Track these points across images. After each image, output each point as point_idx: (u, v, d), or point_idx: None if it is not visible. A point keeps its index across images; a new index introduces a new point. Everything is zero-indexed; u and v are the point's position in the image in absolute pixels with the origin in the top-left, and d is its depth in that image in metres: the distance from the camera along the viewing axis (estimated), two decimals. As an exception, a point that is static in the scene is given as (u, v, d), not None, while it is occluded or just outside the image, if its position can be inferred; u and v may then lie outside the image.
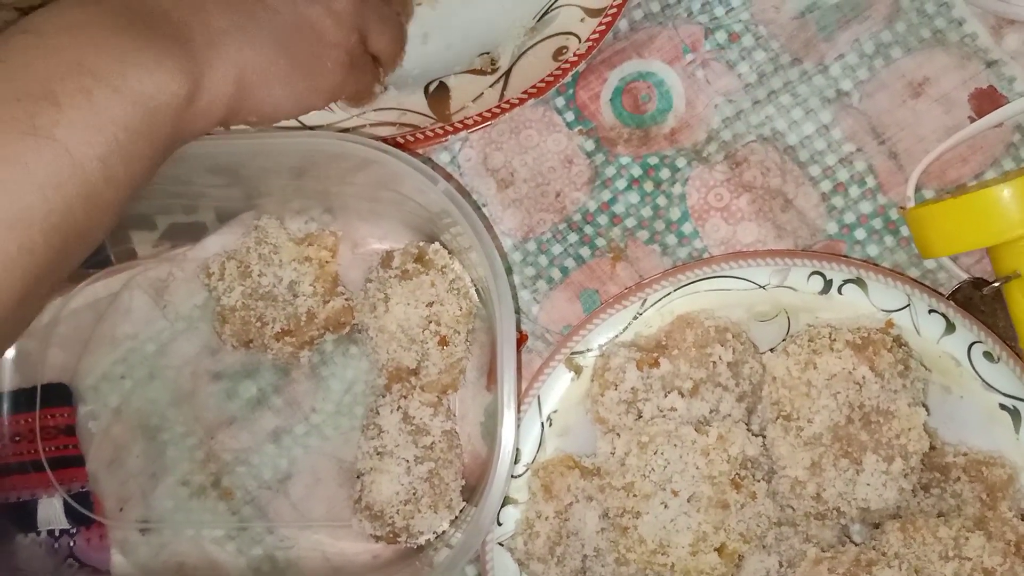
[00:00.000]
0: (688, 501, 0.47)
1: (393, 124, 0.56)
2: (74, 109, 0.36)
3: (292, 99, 0.46)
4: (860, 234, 0.55)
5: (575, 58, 0.55)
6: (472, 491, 0.52)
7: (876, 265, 0.53)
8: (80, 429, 0.56)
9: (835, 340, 0.48)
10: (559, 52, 0.56)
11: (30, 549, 0.55)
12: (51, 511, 0.55)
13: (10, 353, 0.56)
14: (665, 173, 0.56)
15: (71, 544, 0.55)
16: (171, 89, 0.39)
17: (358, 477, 0.52)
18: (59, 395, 0.56)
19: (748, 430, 0.49)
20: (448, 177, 0.57)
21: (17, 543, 0.55)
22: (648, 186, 0.56)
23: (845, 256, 0.54)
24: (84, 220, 0.37)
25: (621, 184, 0.56)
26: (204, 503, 0.55)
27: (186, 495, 0.55)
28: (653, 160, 0.56)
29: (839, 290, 0.52)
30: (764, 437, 0.49)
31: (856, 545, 0.49)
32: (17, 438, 0.56)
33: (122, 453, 0.56)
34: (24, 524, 0.55)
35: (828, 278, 0.52)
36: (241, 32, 0.42)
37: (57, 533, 0.55)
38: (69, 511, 0.55)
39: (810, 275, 0.52)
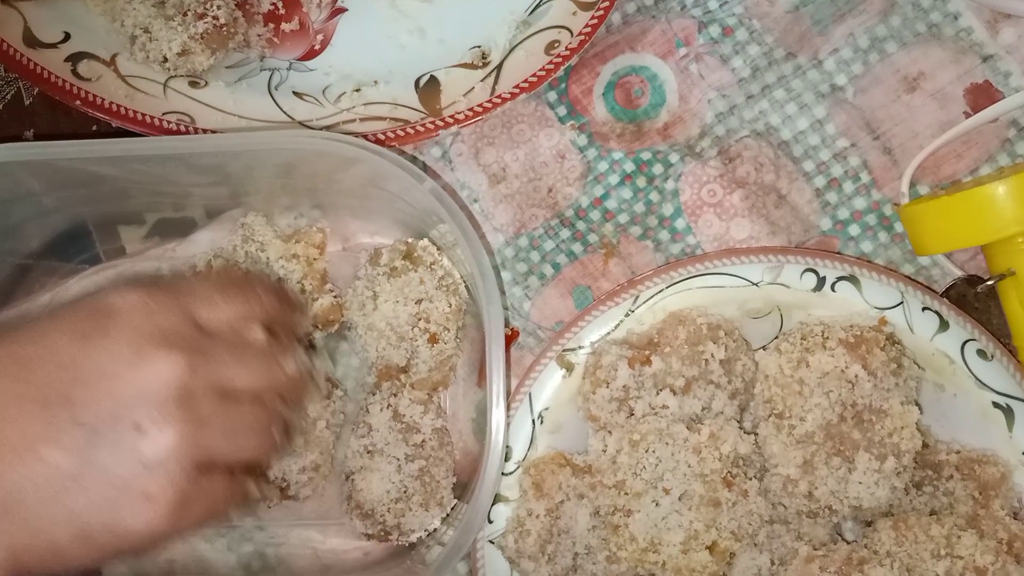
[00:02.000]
0: (680, 499, 0.46)
1: (383, 119, 0.56)
2: None
3: (92, 558, 0.38)
4: (854, 230, 0.55)
5: (567, 52, 0.54)
6: (464, 488, 0.52)
7: (870, 262, 0.53)
8: (70, 426, 0.56)
9: (828, 338, 0.48)
10: (551, 46, 0.55)
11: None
12: (40, 509, 0.55)
13: None
14: (658, 168, 0.56)
15: (60, 542, 0.55)
16: None
17: (348, 476, 0.52)
18: (48, 392, 0.55)
19: (740, 428, 0.49)
20: (435, 175, 0.56)
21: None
22: (641, 181, 0.56)
23: (839, 253, 0.54)
24: None
25: (614, 179, 0.56)
26: (194, 500, 0.55)
27: (176, 492, 0.55)
28: (646, 155, 0.56)
29: (832, 287, 0.51)
30: (756, 435, 0.49)
31: (848, 543, 0.49)
32: (6, 435, 0.55)
33: (112, 450, 0.55)
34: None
35: (821, 275, 0.51)
36: (6, 509, 0.36)
37: (46, 531, 0.55)
38: (58, 509, 0.55)
39: (803, 272, 0.51)
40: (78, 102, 0.54)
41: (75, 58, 0.55)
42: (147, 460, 0.38)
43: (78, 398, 0.38)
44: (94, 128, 0.57)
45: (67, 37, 0.55)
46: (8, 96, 0.59)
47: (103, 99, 0.55)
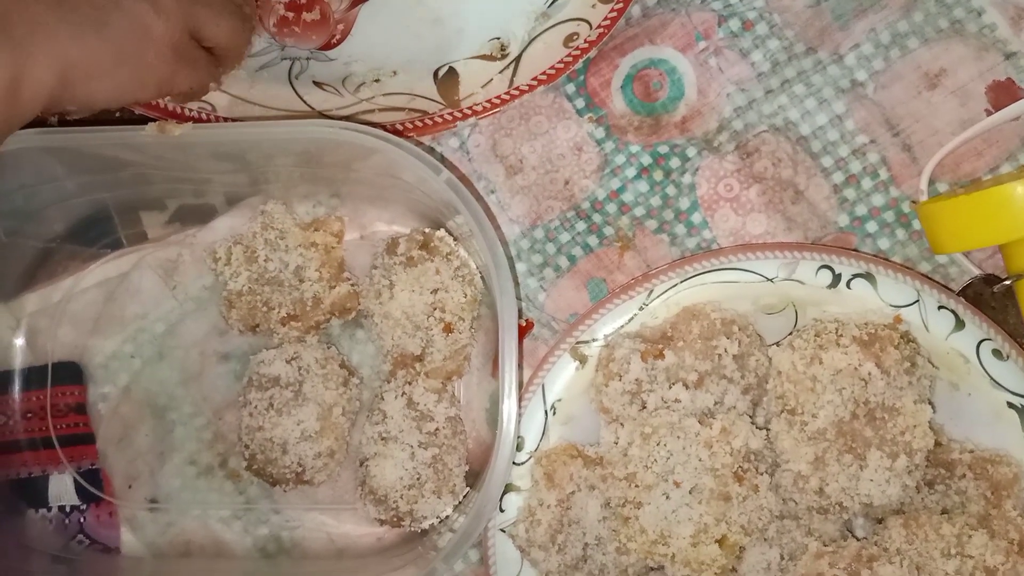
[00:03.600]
0: (690, 492, 0.47)
1: (402, 109, 0.56)
2: None
3: (114, 92, 0.46)
4: (871, 227, 0.54)
5: (586, 44, 0.54)
6: (476, 477, 0.53)
7: (886, 260, 0.53)
8: (90, 407, 0.57)
9: (842, 335, 0.48)
10: (570, 38, 0.55)
11: (40, 524, 0.56)
12: (61, 487, 0.56)
13: (21, 331, 0.57)
14: (675, 162, 0.56)
15: (81, 520, 0.56)
16: None
17: (362, 462, 0.53)
18: (70, 373, 0.57)
19: (752, 423, 0.49)
20: (452, 166, 0.56)
21: (28, 518, 0.56)
22: (658, 175, 0.56)
23: (855, 250, 0.54)
24: None
25: (630, 172, 0.56)
26: (211, 483, 0.56)
27: (193, 474, 0.56)
28: (663, 149, 0.56)
29: (848, 284, 0.51)
30: (768, 431, 0.49)
31: (858, 540, 0.49)
32: (28, 415, 0.57)
33: (131, 432, 0.56)
34: (35, 500, 0.56)
35: (837, 272, 0.51)
36: (63, 24, 0.43)
37: (67, 509, 0.56)
38: (79, 488, 0.56)
39: (819, 268, 0.51)
40: (102, 89, 0.55)
41: (99, 45, 0.56)
42: (159, 5, 0.46)
43: None
44: (117, 115, 0.57)
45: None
46: (33, 82, 0.59)
47: (126, 86, 0.55)
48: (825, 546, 0.47)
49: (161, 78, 0.48)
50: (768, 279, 0.52)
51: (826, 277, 0.51)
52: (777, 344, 0.51)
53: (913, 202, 0.54)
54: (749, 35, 0.56)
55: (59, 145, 0.50)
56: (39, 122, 0.58)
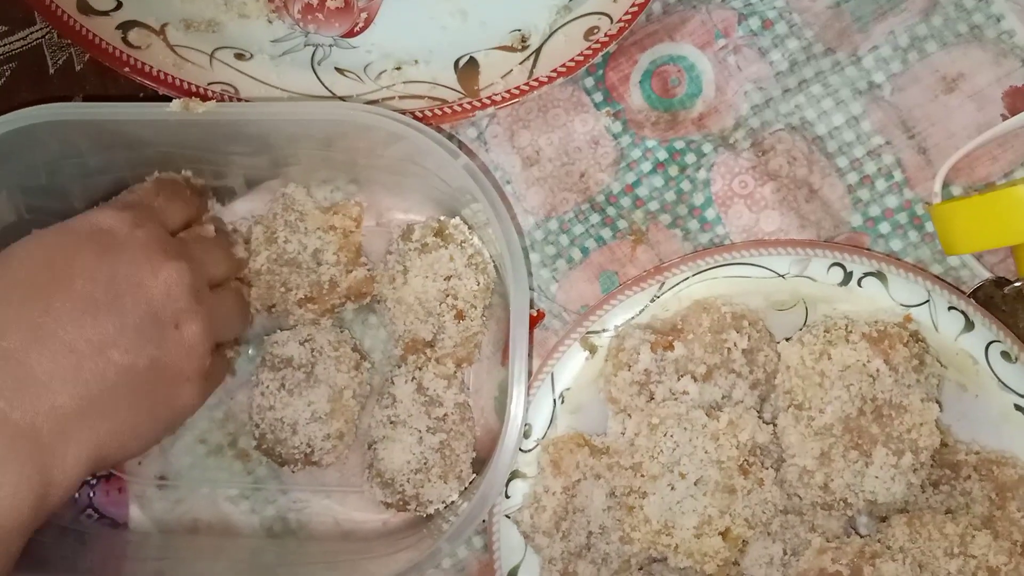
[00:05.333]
0: (695, 484, 0.47)
1: (421, 97, 0.57)
2: None
3: (147, 444, 0.46)
4: (884, 228, 0.55)
5: (606, 39, 0.55)
6: (483, 464, 0.53)
7: (898, 259, 0.53)
8: (104, 384, 0.57)
9: (851, 332, 0.48)
10: (590, 32, 0.56)
11: (51, 497, 0.56)
12: (72, 462, 0.57)
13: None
14: (691, 158, 0.56)
15: (91, 495, 0.56)
16: (18, 495, 0.38)
17: (370, 445, 0.53)
18: (85, 350, 0.57)
19: (759, 417, 0.49)
20: (471, 153, 0.57)
21: (39, 491, 0.56)
22: (673, 170, 0.56)
23: (867, 249, 0.54)
24: None
25: (646, 167, 0.57)
26: (220, 462, 0.56)
27: (203, 453, 0.57)
28: (679, 144, 0.56)
29: (859, 283, 0.51)
30: (775, 425, 0.49)
31: (861, 537, 0.49)
32: (43, 390, 0.57)
33: (143, 409, 0.57)
34: (46, 473, 0.57)
35: (848, 270, 0.51)
36: (91, 407, 0.41)
37: (78, 484, 0.57)
38: (90, 463, 0.57)
39: (830, 266, 0.52)
40: (127, 69, 0.56)
41: (126, 26, 0.57)
42: (188, 350, 0.45)
43: (121, 306, 0.43)
44: (141, 96, 0.58)
45: (119, 5, 0.57)
46: (60, 61, 0.60)
47: (151, 67, 0.56)
48: (828, 542, 0.47)
49: (190, 409, 0.48)
50: (780, 275, 0.52)
51: (837, 275, 0.52)
52: (787, 340, 0.51)
53: (927, 204, 0.54)
54: (768, 34, 0.56)
55: (83, 119, 0.51)
56: (65, 97, 0.59)
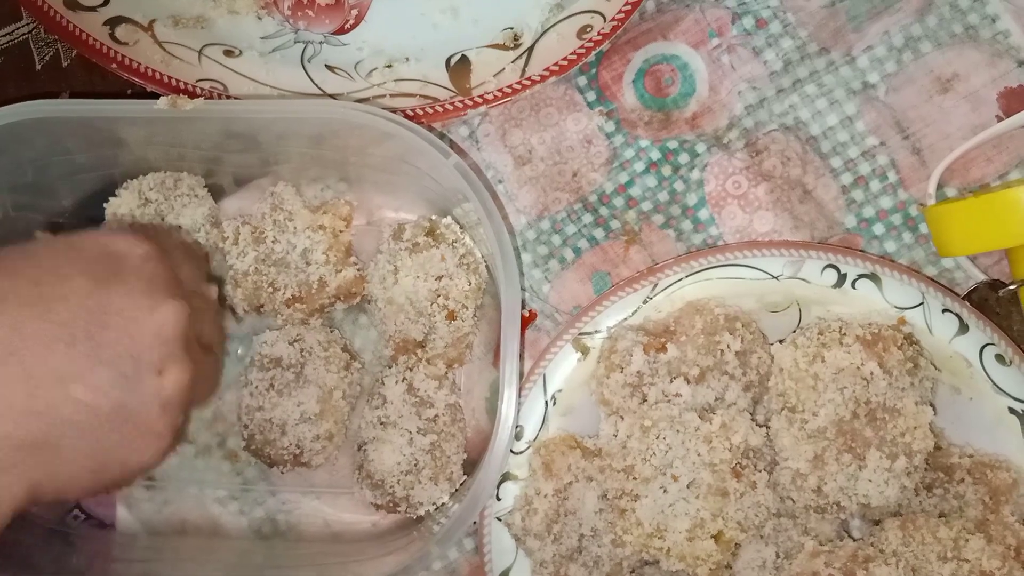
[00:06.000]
0: (688, 487, 0.47)
1: (413, 96, 0.56)
2: None
3: (87, 493, 0.44)
4: (878, 229, 0.54)
5: (599, 37, 0.54)
6: (474, 466, 0.53)
7: (892, 261, 0.53)
8: (91, 384, 0.57)
9: (845, 334, 0.48)
10: (583, 30, 0.55)
11: (37, 498, 0.56)
12: (59, 463, 0.56)
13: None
14: (684, 158, 0.56)
15: (77, 496, 0.56)
16: None
17: (360, 446, 0.53)
18: (72, 349, 0.57)
19: (752, 420, 0.49)
20: (463, 152, 0.57)
21: (25, 492, 0.56)
22: (666, 170, 0.56)
23: (861, 251, 0.54)
24: None
25: (639, 167, 0.56)
26: (209, 462, 0.56)
27: (191, 454, 0.56)
28: (673, 144, 0.56)
29: (853, 284, 0.51)
30: (768, 428, 0.49)
31: (854, 540, 0.49)
32: (30, 389, 0.56)
33: (131, 409, 0.56)
34: (33, 474, 0.56)
35: (842, 272, 0.51)
36: (36, 441, 0.38)
37: (64, 484, 0.56)
38: (77, 463, 0.56)
39: (824, 268, 0.51)
40: (114, 65, 0.55)
41: (114, 22, 0.56)
42: (164, 401, 0.41)
43: (102, 339, 0.39)
44: (129, 92, 0.57)
45: (106, 1, 0.56)
46: (47, 57, 0.59)
47: (139, 63, 0.55)
48: (821, 546, 0.47)
49: (150, 463, 0.42)
50: (773, 277, 0.52)
51: (831, 276, 0.51)
52: (780, 342, 0.51)
53: (921, 205, 0.54)
54: (763, 33, 0.56)
55: (71, 116, 0.50)
56: (52, 93, 0.59)
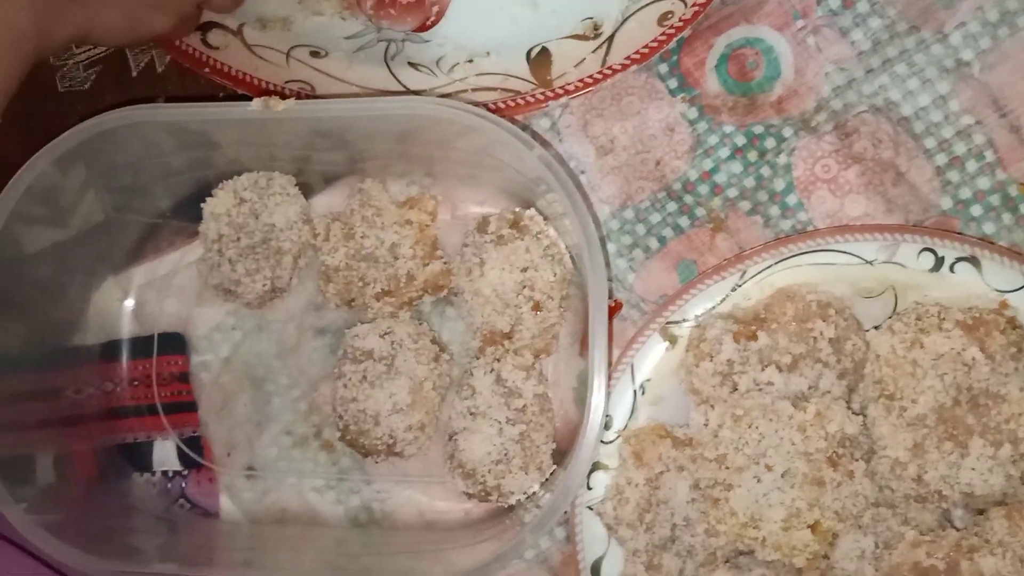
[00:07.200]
0: (782, 476, 0.46)
1: (494, 89, 0.57)
2: None
3: (128, 40, 0.53)
4: (976, 211, 0.53)
5: (680, 23, 0.54)
6: (563, 456, 0.53)
7: (992, 243, 0.51)
8: (193, 376, 0.59)
9: (944, 319, 0.47)
10: (664, 17, 0.55)
11: (145, 488, 0.58)
12: (165, 453, 0.58)
13: (130, 302, 0.59)
14: (770, 143, 0.55)
15: (183, 485, 0.58)
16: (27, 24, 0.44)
17: (451, 436, 0.53)
18: (174, 343, 0.59)
19: (848, 408, 0.48)
20: (545, 144, 0.57)
21: (133, 481, 0.58)
22: (752, 156, 0.55)
23: (959, 233, 0.52)
24: None
25: (724, 153, 0.56)
26: (305, 453, 0.58)
27: (289, 444, 0.58)
28: (758, 129, 0.55)
29: (951, 268, 0.50)
30: (864, 416, 0.48)
31: (958, 530, 0.48)
32: (135, 383, 0.59)
33: (231, 401, 0.58)
34: (140, 464, 0.59)
35: (940, 255, 0.50)
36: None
37: (170, 474, 0.58)
38: (181, 454, 0.58)
39: (920, 251, 0.50)
40: (206, 69, 0.57)
41: (205, 27, 0.58)
42: None
43: None
44: (221, 95, 0.59)
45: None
46: (142, 64, 0.62)
47: (230, 67, 0.57)
48: (922, 535, 0.46)
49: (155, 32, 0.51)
50: (867, 262, 0.51)
51: (928, 260, 0.50)
52: (876, 328, 0.50)
53: (1021, 185, 0.52)
54: (849, 13, 0.54)
55: (166, 121, 0.52)
56: (148, 98, 0.61)
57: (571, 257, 0.54)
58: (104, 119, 0.51)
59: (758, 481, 0.46)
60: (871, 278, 0.51)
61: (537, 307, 0.53)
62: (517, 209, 0.54)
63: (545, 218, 0.54)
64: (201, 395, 0.59)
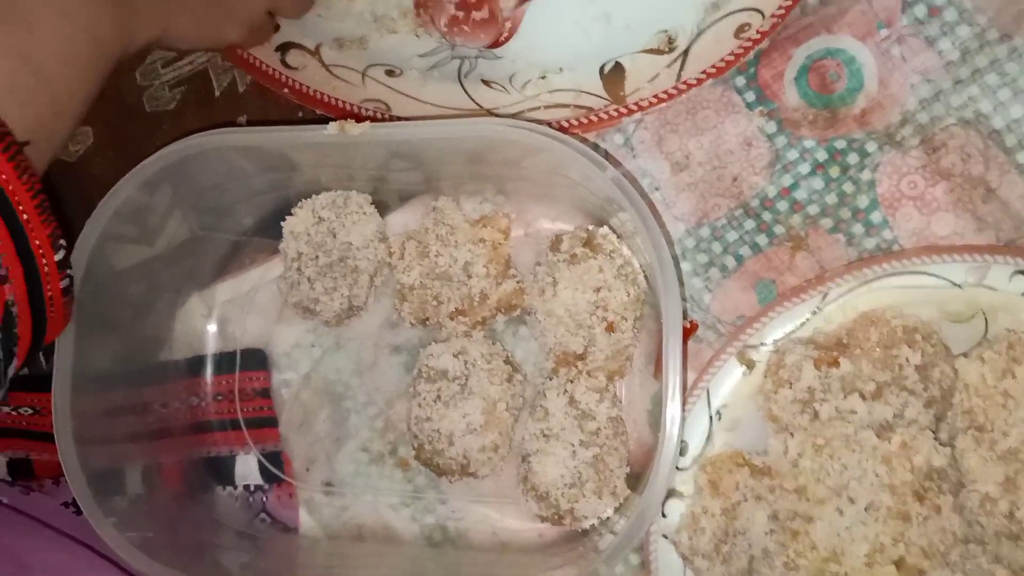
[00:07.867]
0: (866, 510, 0.45)
1: (567, 106, 0.56)
2: (47, 32, 0.42)
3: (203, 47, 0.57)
4: (1075, 228, 0.50)
5: (758, 35, 0.53)
6: (638, 480, 0.53)
7: (1093, 264, 0.48)
8: (274, 392, 0.60)
9: (1039, 348, 0.45)
10: (741, 29, 0.53)
11: (227, 501, 0.60)
12: (247, 467, 0.60)
13: (214, 319, 0.61)
14: (853, 158, 0.53)
15: (264, 500, 0.60)
16: (110, 29, 0.45)
17: (524, 458, 0.54)
18: (256, 360, 0.60)
19: (935, 439, 0.46)
20: (616, 162, 0.56)
21: (216, 494, 0.60)
22: (834, 171, 0.54)
23: (1056, 253, 0.50)
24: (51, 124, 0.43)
25: (804, 169, 0.54)
26: (382, 470, 0.58)
27: (366, 461, 0.59)
28: (840, 144, 0.54)
29: (1047, 291, 0.47)
30: (953, 448, 0.46)
31: (1052, 569, 0.46)
32: (219, 397, 0.61)
33: (310, 417, 0.60)
34: (223, 477, 0.60)
35: (1035, 278, 0.48)
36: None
37: (252, 488, 0.60)
38: (262, 469, 0.60)
39: (1013, 274, 0.48)
40: (286, 90, 0.58)
41: (284, 48, 0.59)
42: None
43: None
44: (300, 115, 0.60)
45: (277, 27, 0.59)
46: (224, 84, 0.63)
47: (308, 87, 0.58)
48: (1015, 575, 0.44)
49: (252, 9, 0.53)
50: (955, 284, 0.49)
51: (1021, 283, 0.48)
52: (964, 355, 0.48)
53: None
54: (936, 21, 0.52)
55: (247, 144, 0.53)
56: (228, 121, 0.62)
57: (645, 276, 0.53)
58: (188, 143, 0.53)
59: (840, 514, 0.45)
60: (960, 301, 0.49)
61: (611, 328, 0.52)
62: (590, 227, 0.54)
63: (619, 236, 0.53)
64: (282, 411, 0.60)
